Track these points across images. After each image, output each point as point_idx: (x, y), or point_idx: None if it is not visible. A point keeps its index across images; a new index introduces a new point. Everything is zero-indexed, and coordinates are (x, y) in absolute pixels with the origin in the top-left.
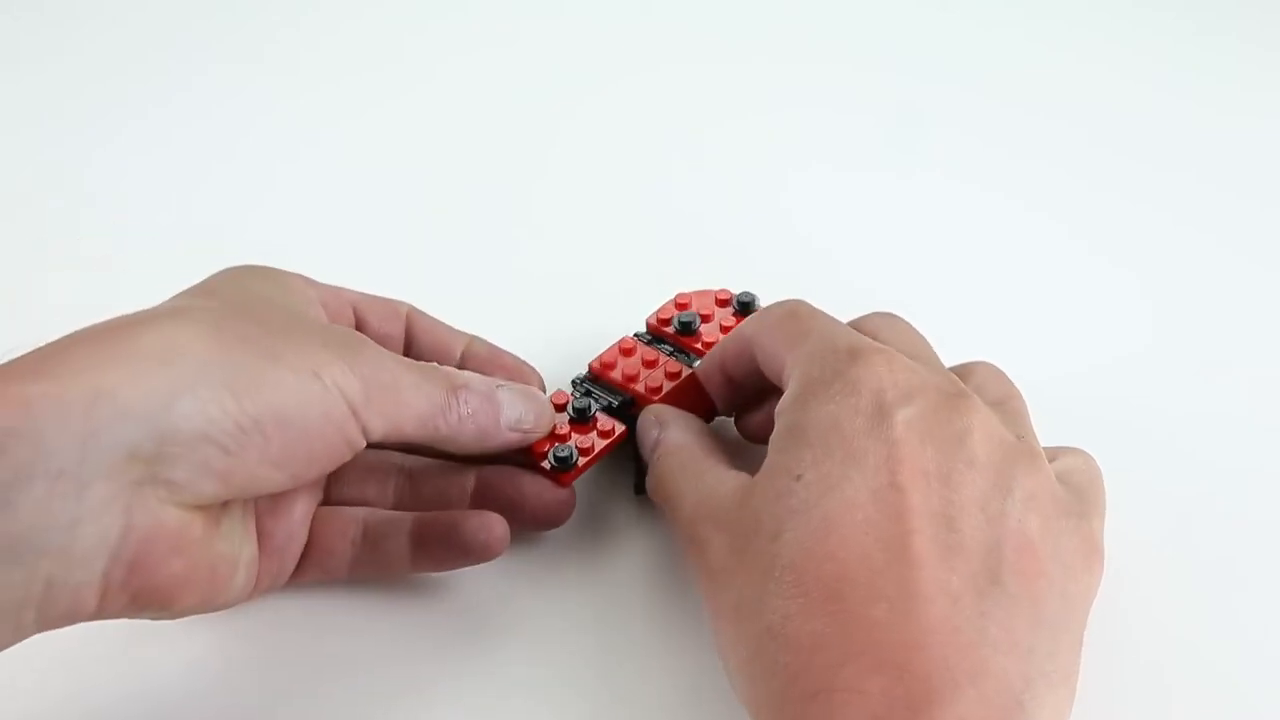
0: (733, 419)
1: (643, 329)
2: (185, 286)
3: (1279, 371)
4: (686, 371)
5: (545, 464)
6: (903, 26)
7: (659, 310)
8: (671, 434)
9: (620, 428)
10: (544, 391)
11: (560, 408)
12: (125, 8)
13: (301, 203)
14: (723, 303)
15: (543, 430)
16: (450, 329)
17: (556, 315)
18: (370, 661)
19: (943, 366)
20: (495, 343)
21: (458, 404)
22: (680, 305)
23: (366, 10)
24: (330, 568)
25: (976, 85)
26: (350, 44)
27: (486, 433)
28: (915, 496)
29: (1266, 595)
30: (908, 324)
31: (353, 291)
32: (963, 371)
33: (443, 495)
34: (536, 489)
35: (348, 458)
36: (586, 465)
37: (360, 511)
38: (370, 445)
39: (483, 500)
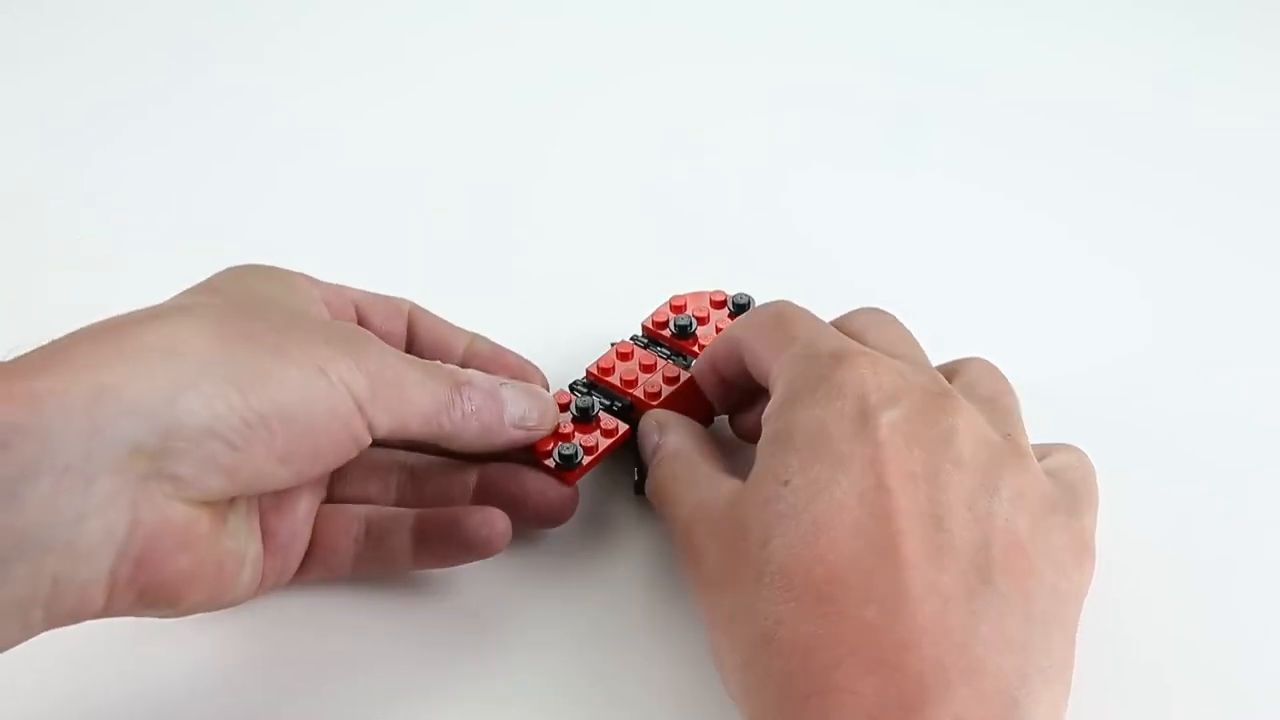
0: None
1: (639, 332)
2: (185, 286)
3: (1279, 371)
4: (685, 375)
5: (549, 462)
6: (903, 26)
7: (654, 313)
8: (670, 439)
9: (623, 427)
10: (547, 390)
11: (563, 407)
12: (125, 8)
13: (301, 203)
14: (718, 304)
15: (547, 428)
16: (452, 327)
17: (556, 315)
18: (372, 660)
19: (929, 364)
20: (496, 342)
21: (462, 401)
22: (676, 308)
23: (366, 10)
24: (333, 565)
25: (976, 85)
26: (350, 44)
27: (490, 430)
28: (902, 498)
29: (1266, 595)
30: (893, 318)
31: (355, 290)
32: (955, 367)
33: (445, 492)
34: (539, 486)
35: (353, 454)
36: (591, 464)
37: (363, 509)
38: (375, 442)
39: (485, 497)
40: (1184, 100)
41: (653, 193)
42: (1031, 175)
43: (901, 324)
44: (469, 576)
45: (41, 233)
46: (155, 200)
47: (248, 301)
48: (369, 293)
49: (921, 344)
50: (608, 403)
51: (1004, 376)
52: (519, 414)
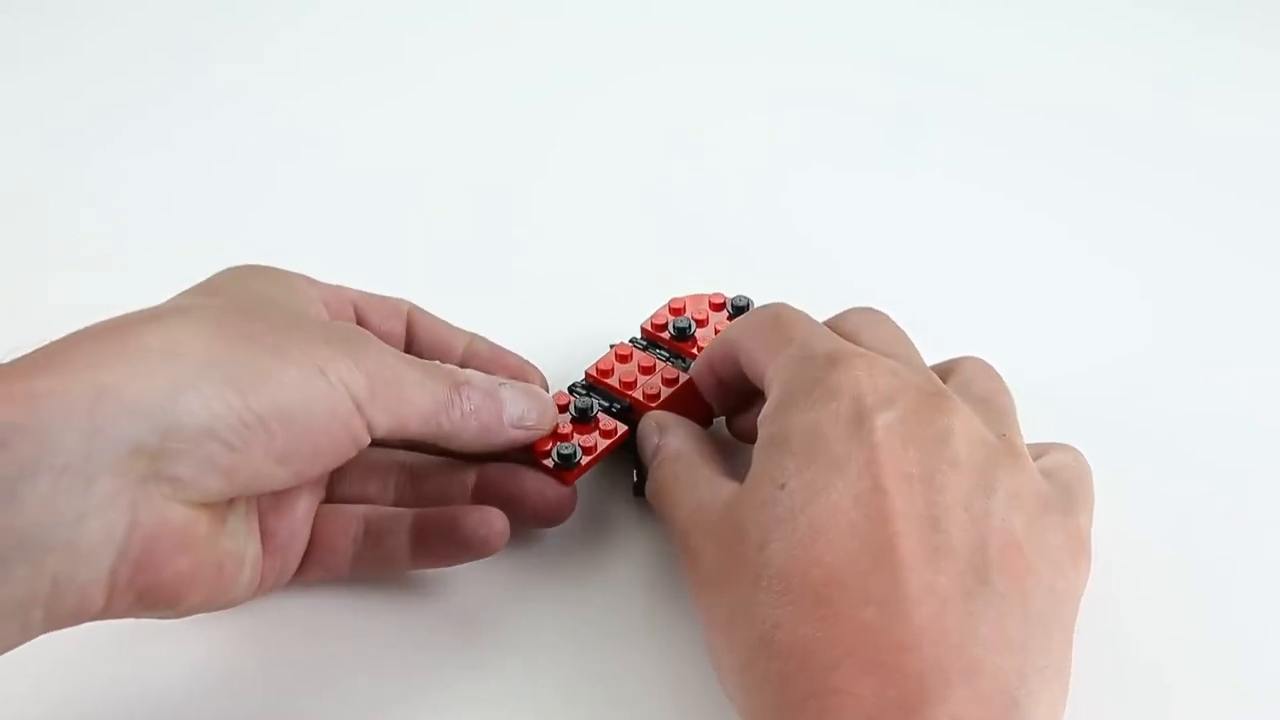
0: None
1: (637, 334)
2: (185, 286)
3: (1279, 371)
4: (684, 377)
5: (548, 462)
6: (903, 26)
7: (653, 316)
8: (671, 441)
9: (622, 427)
10: (546, 390)
11: (562, 409)
12: (125, 8)
13: (301, 203)
14: (717, 307)
15: (546, 428)
16: (451, 327)
17: (556, 316)
18: (371, 660)
19: (923, 364)
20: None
21: (461, 400)
22: (675, 310)
23: (366, 10)
24: (332, 565)
25: (976, 85)
26: (350, 44)
27: (489, 430)
28: (899, 499)
29: (1266, 595)
30: (886, 317)
31: (353, 290)
32: (949, 367)
33: (444, 492)
34: (538, 486)
35: (352, 454)
36: (590, 464)
37: (361, 509)
38: (374, 442)
39: (484, 497)
40: (1184, 100)
41: (653, 193)
42: (1031, 175)
43: (894, 323)
44: (467, 577)
45: (41, 233)
46: (155, 200)
47: (247, 302)
48: (367, 293)
49: (921, 344)
50: (606, 404)
51: (998, 375)
52: (518, 414)
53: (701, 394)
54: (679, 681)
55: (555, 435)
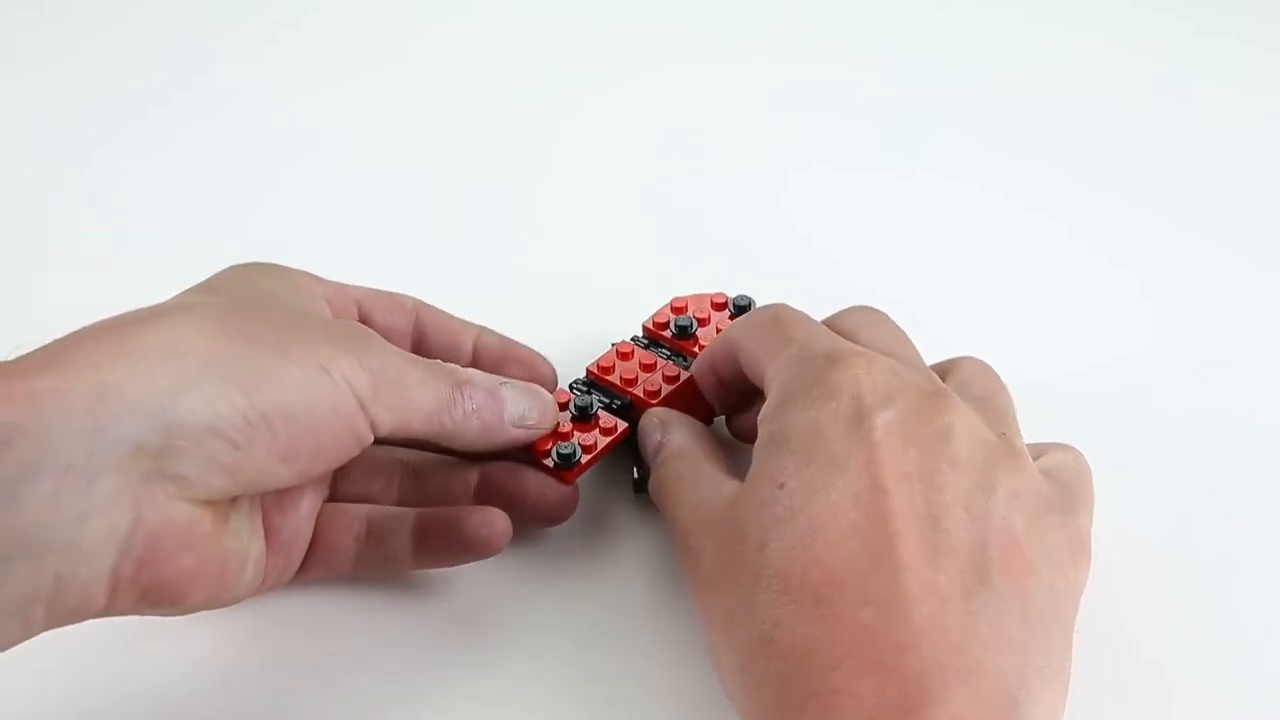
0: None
1: (639, 333)
2: (186, 286)
3: (1279, 371)
4: (685, 375)
5: (548, 461)
6: (903, 26)
7: (655, 314)
8: (673, 438)
9: (622, 425)
10: (556, 383)
11: (562, 406)
12: (125, 8)
13: (302, 203)
14: (719, 306)
15: (547, 427)
16: (460, 320)
17: (556, 315)
18: (372, 660)
19: (922, 363)
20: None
21: (463, 399)
22: (677, 309)
23: (366, 10)
24: (335, 564)
25: (976, 85)
26: (350, 44)
27: (491, 429)
28: (898, 499)
29: (1266, 595)
30: (885, 316)
31: (357, 287)
32: (948, 366)
33: (446, 491)
34: (539, 485)
35: (355, 452)
36: (590, 463)
37: (364, 508)
38: (377, 441)
39: (486, 496)
40: (1184, 100)
41: (653, 193)
42: (1031, 175)
43: (893, 322)
44: (469, 576)
45: (41, 233)
46: (155, 200)
47: (250, 300)
48: (372, 290)
49: (921, 344)
50: (607, 401)
51: (997, 375)
52: (519, 413)
53: (702, 392)
54: (679, 681)
55: (555, 434)
